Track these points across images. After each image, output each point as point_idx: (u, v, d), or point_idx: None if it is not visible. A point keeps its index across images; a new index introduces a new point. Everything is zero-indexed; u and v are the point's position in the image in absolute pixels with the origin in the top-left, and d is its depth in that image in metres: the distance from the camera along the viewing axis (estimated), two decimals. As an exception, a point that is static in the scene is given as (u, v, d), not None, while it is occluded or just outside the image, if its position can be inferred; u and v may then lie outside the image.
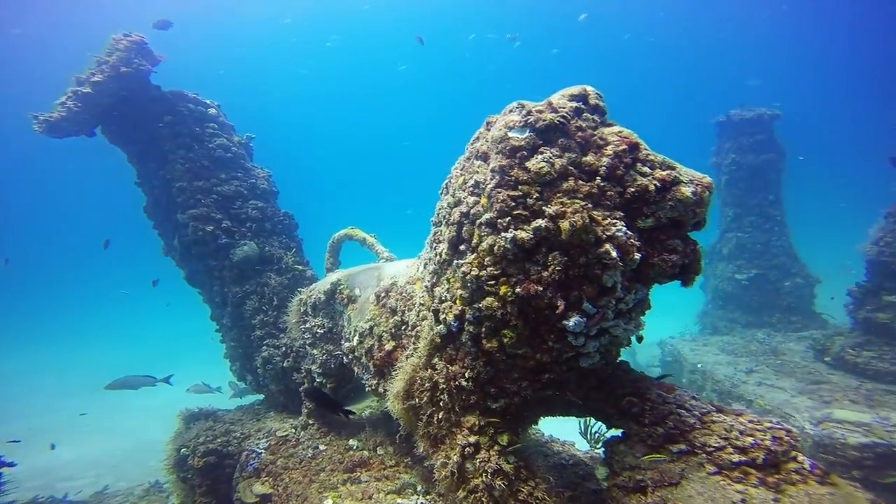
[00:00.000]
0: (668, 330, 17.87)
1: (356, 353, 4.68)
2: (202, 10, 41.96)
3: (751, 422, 2.86)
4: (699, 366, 12.87)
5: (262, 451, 5.62)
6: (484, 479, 3.23)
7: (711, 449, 2.79)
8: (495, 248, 2.89)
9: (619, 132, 2.86)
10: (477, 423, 3.39)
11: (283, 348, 6.70)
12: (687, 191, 2.72)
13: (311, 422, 6.10)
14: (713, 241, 17.73)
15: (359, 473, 5.09)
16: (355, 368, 5.03)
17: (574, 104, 2.97)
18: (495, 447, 3.32)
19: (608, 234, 2.65)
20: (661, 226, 2.85)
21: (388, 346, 4.20)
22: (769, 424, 2.84)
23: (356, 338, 4.61)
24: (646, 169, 2.80)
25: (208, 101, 7.73)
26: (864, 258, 9.97)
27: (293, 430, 6.23)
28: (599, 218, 2.71)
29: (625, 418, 3.34)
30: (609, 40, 49.16)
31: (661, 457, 3.00)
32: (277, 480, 5.32)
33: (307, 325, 5.74)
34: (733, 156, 16.33)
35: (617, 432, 3.47)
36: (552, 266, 2.75)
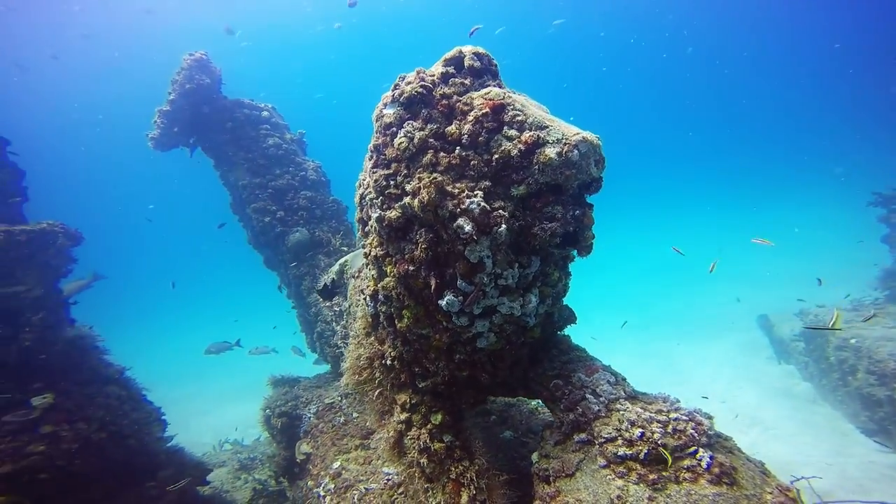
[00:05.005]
0: (831, 297, 14.59)
1: (347, 331, 4.98)
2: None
3: (658, 411, 2.45)
4: (852, 341, 10.58)
5: (311, 415, 6.33)
6: (414, 455, 3.28)
7: (603, 440, 2.48)
8: (373, 228, 2.86)
9: (486, 94, 2.58)
10: (408, 400, 3.42)
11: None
12: (551, 152, 2.37)
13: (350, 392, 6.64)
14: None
15: (370, 440, 5.47)
16: None
17: (444, 69, 2.74)
18: (428, 425, 3.32)
19: (462, 207, 2.45)
20: (537, 192, 2.53)
21: (358, 325, 4.40)
22: (675, 415, 2.41)
23: (345, 316, 4.90)
24: (513, 132, 2.49)
25: (262, 105, 8.57)
26: None
27: (339, 399, 6.85)
28: (457, 191, 2.51)
29: (552, 402, 3.09)
30: None
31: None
32: (316, 442, 5.96)
33: (329, 303, 6.21)
34: None
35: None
36: (420, 244, 2.65)
